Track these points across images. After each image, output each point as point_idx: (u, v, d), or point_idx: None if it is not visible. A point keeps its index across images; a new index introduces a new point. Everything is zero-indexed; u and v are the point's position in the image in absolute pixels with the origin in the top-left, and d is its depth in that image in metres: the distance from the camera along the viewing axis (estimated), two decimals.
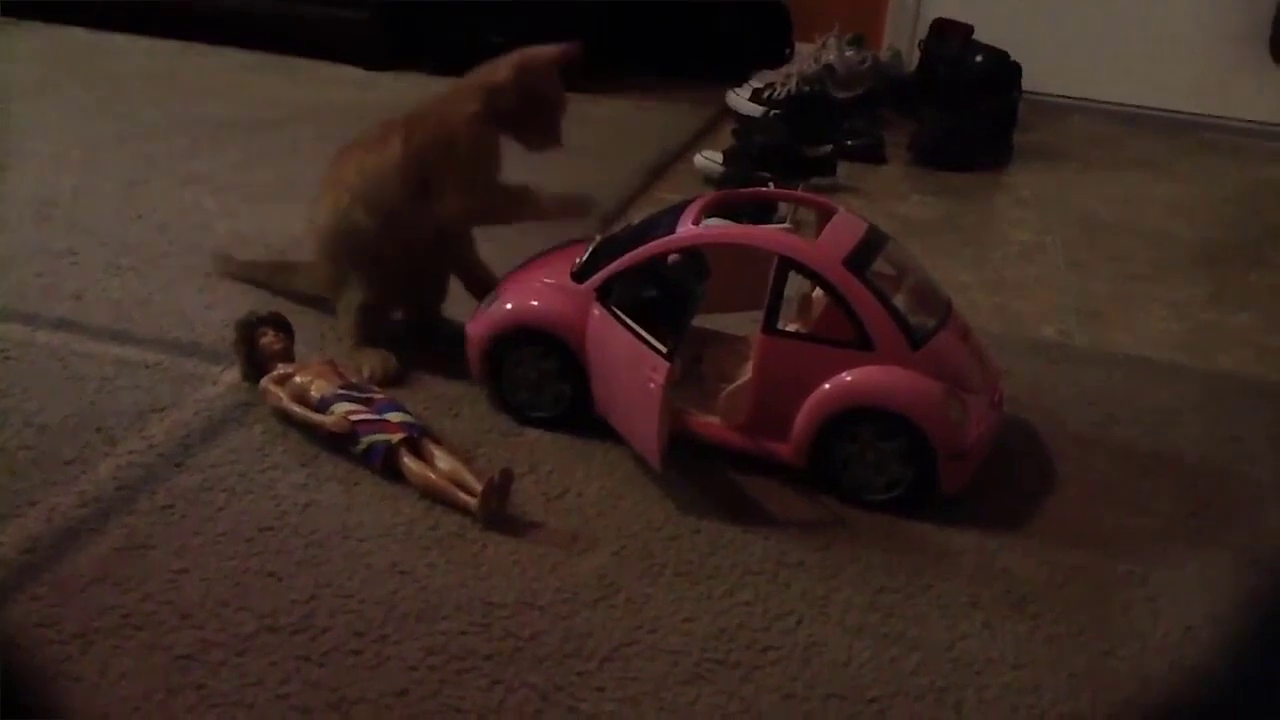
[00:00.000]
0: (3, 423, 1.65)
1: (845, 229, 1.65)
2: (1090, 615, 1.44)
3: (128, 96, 3.07)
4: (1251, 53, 3.39)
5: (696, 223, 1.65)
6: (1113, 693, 1.33)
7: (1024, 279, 2.43)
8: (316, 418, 1.66)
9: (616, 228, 1.91)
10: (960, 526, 1.58)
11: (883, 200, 2.81)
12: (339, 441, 1.64)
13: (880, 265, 1.64)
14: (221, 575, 1.42)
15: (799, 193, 1.80)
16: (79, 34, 3.47)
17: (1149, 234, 2.70)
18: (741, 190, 1.85)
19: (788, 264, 1.58)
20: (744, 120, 3.23)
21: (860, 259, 1.59)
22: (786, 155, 2.84)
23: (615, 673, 1.32)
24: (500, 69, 1.82)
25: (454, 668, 1.31)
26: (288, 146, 2.78)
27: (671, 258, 1.66)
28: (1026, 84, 3.21)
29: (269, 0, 3.43)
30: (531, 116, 1.82)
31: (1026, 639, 1.40)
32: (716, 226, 1.65)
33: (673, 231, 1.64)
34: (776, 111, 3.24)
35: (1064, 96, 3.58)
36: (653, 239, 1.64)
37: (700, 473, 1.65)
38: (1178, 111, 3.49)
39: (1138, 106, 3.53)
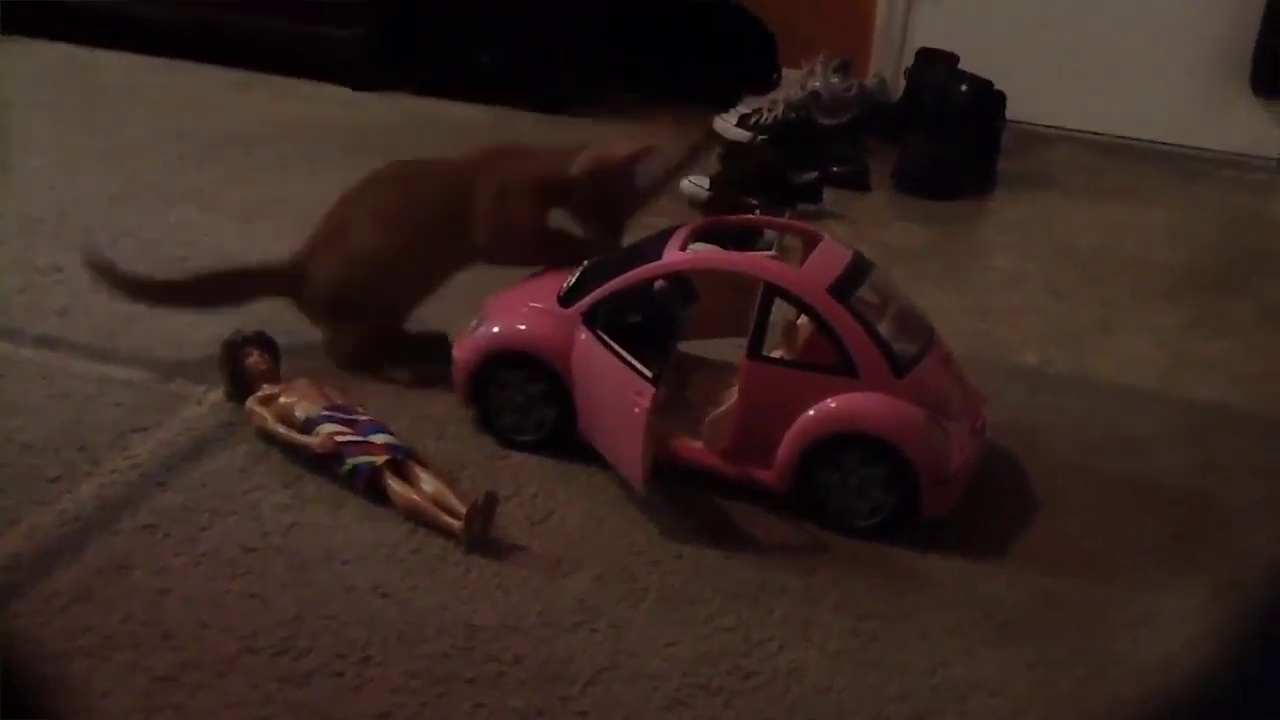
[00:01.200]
0: None
1: (830, 256, 1.66)
2: (1070, 641, 1.45)
3: (115, 113, 3.07)
4: (1233, 84, 3.43)
5: (683, 249, 1.66)
6: (1091, 716, 1.34)
7: (1006, 306, 2.45)
8: (301, 438, 1.66)
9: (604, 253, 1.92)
10: (942, 553, 1.59)
11: (867, 227, 2.83)
12: (324, 462, 1.64)
13: (865, 293, 1.65)
14: (203, 596, 1.42)
15: (785, 220, 1.82)
16: (67, 50, 3.46)
17: (1129, 262, 2.72)
18: (728, 217, 1.86)
19: (773, 291, 1.59)
20: (731, 146, 3.25)
21: (845, 286, 1.61)
22: (773, 181, 2.86)
23: (597, 697, 1.33)
24: (577, 163, 1.81)
25: (436, 690, 1.31)
26: (274, 164, 2.79)
27: (658, 283, 1.67)
28: (1011, 113, 3.24)
29: (256, 18, 3.43)
30: (599, 213, 1.83)
31: (1007, 665, 1.41)
32: (702, 253, 1.66)
33: (659, 257, 1.65)
34: (763, 137, 3.26)
35: (1048, 126, 3.61)
36: (639, 264, 1.66)
37: (684, 497, 1.65)
38: (1159, 142, 3.52)
39: (1120, 136, 3.56)
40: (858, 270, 1.65)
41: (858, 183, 3.13)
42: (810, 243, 1.72)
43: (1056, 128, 3.63)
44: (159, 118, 3.05)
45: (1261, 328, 2.41)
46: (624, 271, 1.65)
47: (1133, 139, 3.56)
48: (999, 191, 3.18)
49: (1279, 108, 3.42)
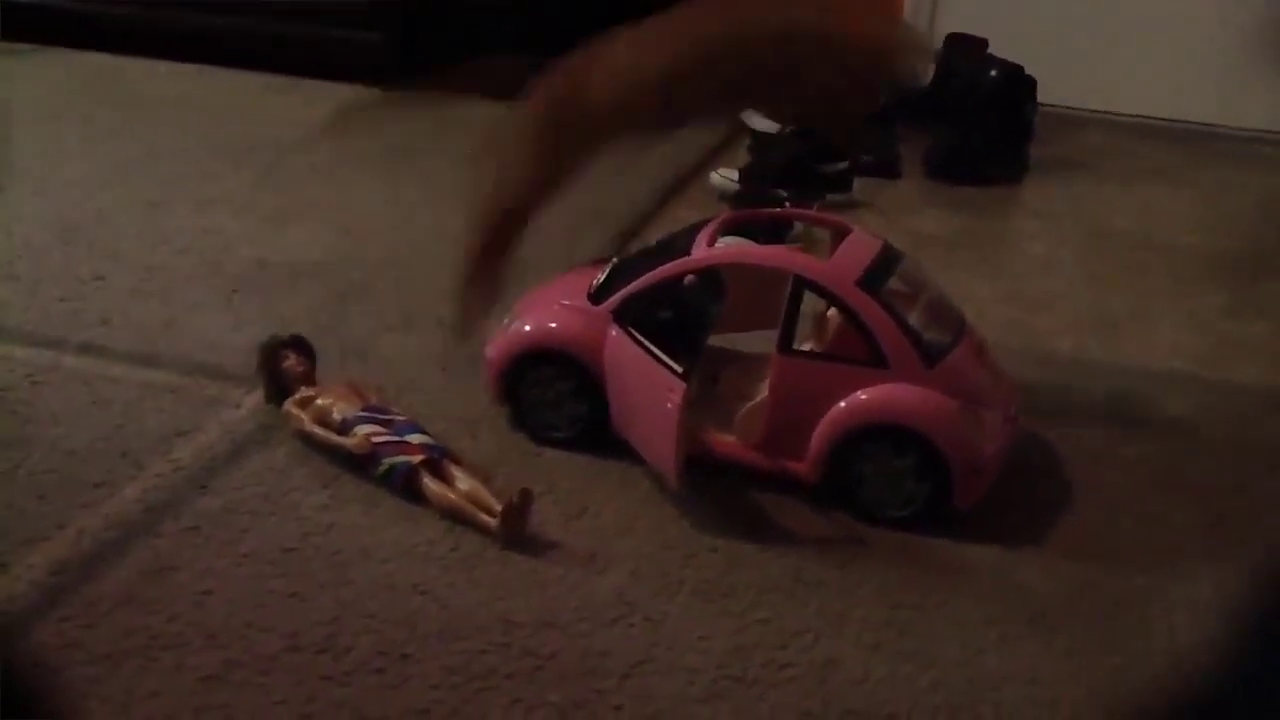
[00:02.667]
0: (31, 447, 1.69)
1: (859, 248, 1.66)
2: (1106, 629, 1.45)
3: (148, 120, 3.11)
4: (1265, 61, 3.39)
5: (711, 244, 1.66)
6: (1127, 705, 1.34)
7: (1040, 293, 2.43)
8: (338, 440, 1.69)
9: (634, 248, 1.93)
10: (976, 542, 1.59)
11: (898, 215, 2.81)
12: (361, 463, 1.66)
13: (894, 283, 1.65)
14: (246, 596, 1.45)
15: (813, 212, 1.82)
16: (99, 59, 3.51)
17: (1165, 245, 2.69)
18: (757, 210, 1.87)
19: (802, 284, 1.59)
20: (760, 137, 3.24)
21: (874, 278, 1.61)
22: (802, 172, 2.85)
23: (633, 691, 1.34)
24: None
25: (475, 686, 1.33)
26: (306, 168, 2.82)
27: (688, 279, 1.68)
28: (1042, 97, 3.21)
29: (284, 23, 3.47)
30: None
31: (1043, 654, 1.41)
32: (731, 247, 1.67)
33: (688, 253, 1.66)
34: (792, 128, 3.25)
35: (1080, 109, 3.58)
36: (668, 260, 1.66)
37: (718, 491, 1.66)
38: (1193, 122, 3.48)
39: (1153, 117, 3.52)
40: (887, 261, 1.65)
41: (888, 170, 3.12)
42: (839, 235, 1.72)
43: (1089, 110, 3.60)
44: (191, 124, 3.08)
45: None
46: (653, 268, 1.66)
47: (1166, 119, 3.52)
48: (1031, 177, 3.15)
49: None
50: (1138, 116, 3.57)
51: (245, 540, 1.54)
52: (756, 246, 1.67)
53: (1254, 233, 2.79)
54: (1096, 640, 1.43)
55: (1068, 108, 3.57)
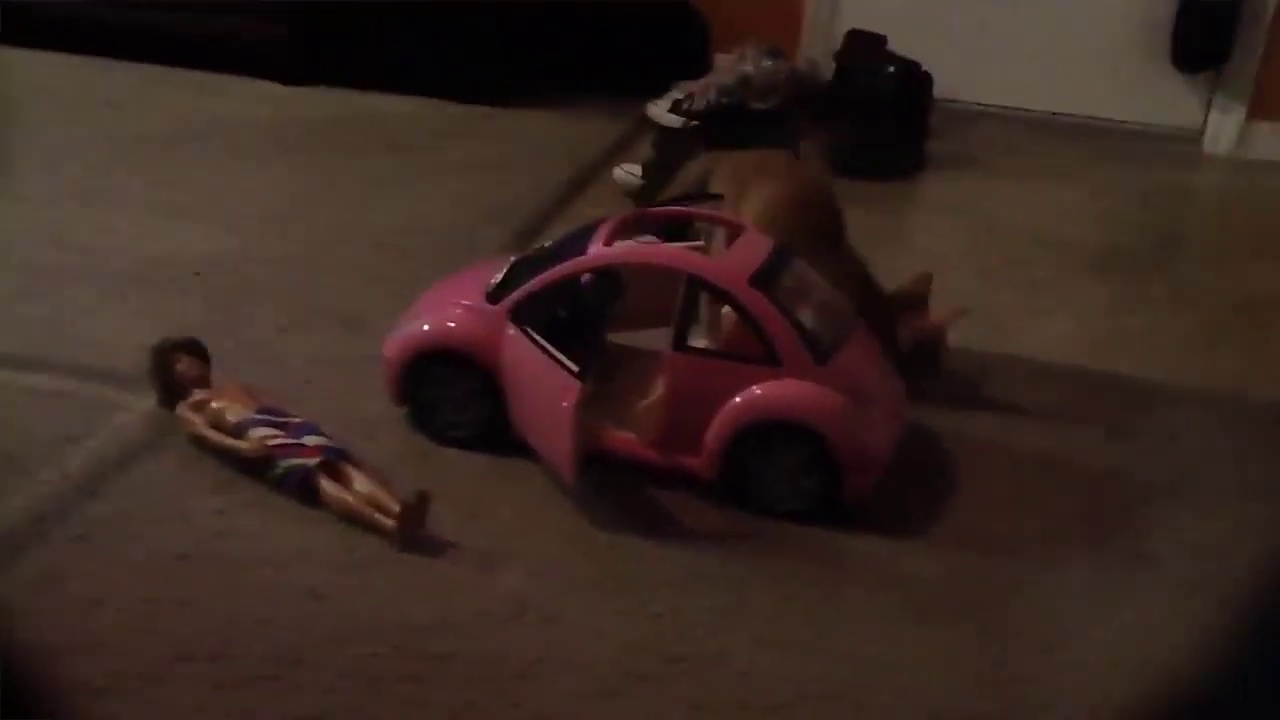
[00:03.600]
0: None
1: (752, 247, 1.69)
2: (985, 617, 1.51)
3: (34, 114, 3.02)
4: (1155, 59, 3.51)
5: (608, 243, 1.68)
6: (1006, 690, 1.40)
7: (933, 288, 2.49)
8: (233, 443, 1.67)
9: (534, 245, 1.94)
10: (865, 534, 1.63)
11: None
12: (256, 466, 1.65)
13: (787, 281, 1.69)
14: (136, 605, 1.43)
15: (708, 211, 1.85)
16: None
17: (1053, 241, 2.78)
18: (654, 209, 1.89)
19: (696, 282, 1.62)
20: (663, 131, 3.27)
21: (767, 276, 1.64)
22: None
23: (530, 689, 1.36)
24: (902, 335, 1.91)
25: (370, 690, 1.34)
26: (203, 163, 2.77)
27: (585, 277, 1.70)
28: (939, 92, 3.29)
29: (181, 15, 3.39)
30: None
31: (924, 643, 1.46)
32: (625, 246, 1.69)
33: (584, 252, 1.67)
34: (695, 123, 3.28)
35: (976, 104, 3.67)
36: (565, 259, 1.68)
37: (616, 488, 1.68)
38: (1084, 117, 3.59)
39: (1045, 112, 3.63)
40: (779, 260, 1.69)
41: None
42: (734, 233, 1.75)
43: (985, 105, 3.69)
44: (79, 118, 3.01)
45: (1176, 302, 2.48)
46: (550, 267, 1.67)
47: (1058, 114, 3.63)
48: (928, 172, 3.22)
49: (1200, 81, 3.50)
50: (1031, 111, 3.67)
51: (136, 548, 1.52)
52: (651, 245, 1.69)
53: (1138, 227, 2.90)
54: (975, 626, 1.49)
55: (965, 103, 3.66)
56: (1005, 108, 3.68)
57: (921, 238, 2.78)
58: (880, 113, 3.20)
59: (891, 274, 2.53)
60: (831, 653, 1.43)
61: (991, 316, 2.36)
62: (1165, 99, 3.57)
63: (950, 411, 1.94)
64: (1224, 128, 3.44)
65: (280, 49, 3.36)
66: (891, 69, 3.23)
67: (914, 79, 3.23)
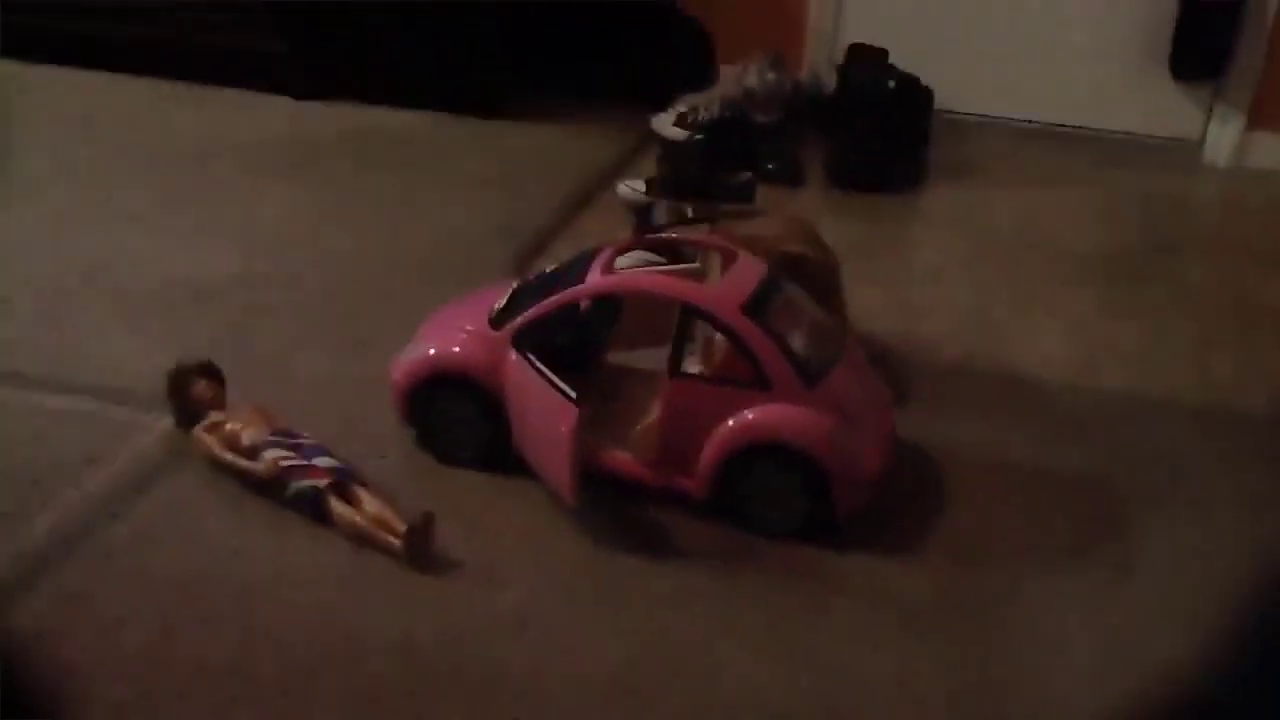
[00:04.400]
0: None
1: (744, 273, 1.75)
2: (973, 627, 1.56)
3: (51, 133, 3.10)
4: (1153, 68, 3.54)
5: (605, 270, 1.74)
6: (992, 700, 1.45)
7: (930, 301, 2.54)
8: (246, 464, 1.74)
9: (539, 266, 2.00)
10: (856, 551, 1.69)
11: None
12: (269, 488, 1.72)
13: (778, 306, 1.74)
14: (157, 623, 1.50)
15: (702, 237, 1.90)
16: (2, 68, 3.48)
17: (1051, 251, 2.82)
18: (650, 235, 1.95)
19: (689, 311, 1.68)
20: (668, 145, 3.32)
21: (758, 303, 1.70)
22: (705, 183, 2.93)
23: (530, 702, 1.42)
24: None
25: (379, 704, 1.40)
26: (213, 182, 2.84)
27: (583, 304, 1.76)
28: (940, 103, 3.33)
29: (194, 32, 3.47)
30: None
31: (912, 656, 1.52)
32: (623, 274, 1.74)
33: (583, 280, 1.73)
34: (699, 136, 3.33)
35: (977, 115, 3.72)
36: (564, 287, 1.74)
37: (615, 507, 1.74)
38: (1083, 127, 3.63)
39: (1045, 123, 3.67)
40: (771, 286, 1.74)
41: (792, 179, 3.22)
42: (727, 260, 1.80)
43: (985, 116, 3.73)
44: (97, 137, 3.08)
45: (1171, 312, 2.52)
46: (549, 294, 1.74)
47: (1057, 125, 3.67)
48: (929, 183, 3.27)
49: (1198, 91, 3.53)
50: (1030, 122, 3.72)
51: (155, 568, 1.59)
52: (647, 274, 1.75)
53: (1135, 237, 2.94)
54: (962, 638, 1.54)
55: (965, 113, 3.70)
56: (1006, 118, 3.72)
57: (920, 251, 2.83)
58: (881, 126, 3.25)
59: (891, 287, 2.59)
60: (822, 666, 1.49)
61: (986, 328, 2.42)
62: (1164, 108, 3.61)
63: (941, 425, 1.99)
64: (1223, 137, 3.48)
65: (286, 64, 3.43)
66: (892, 83, 3.28)
67: (913, 93, 3.27)
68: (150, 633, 1.48)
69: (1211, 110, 3.51)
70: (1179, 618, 1.58)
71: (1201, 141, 3.51)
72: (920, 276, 2.68)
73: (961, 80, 3.57)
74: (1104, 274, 2.72)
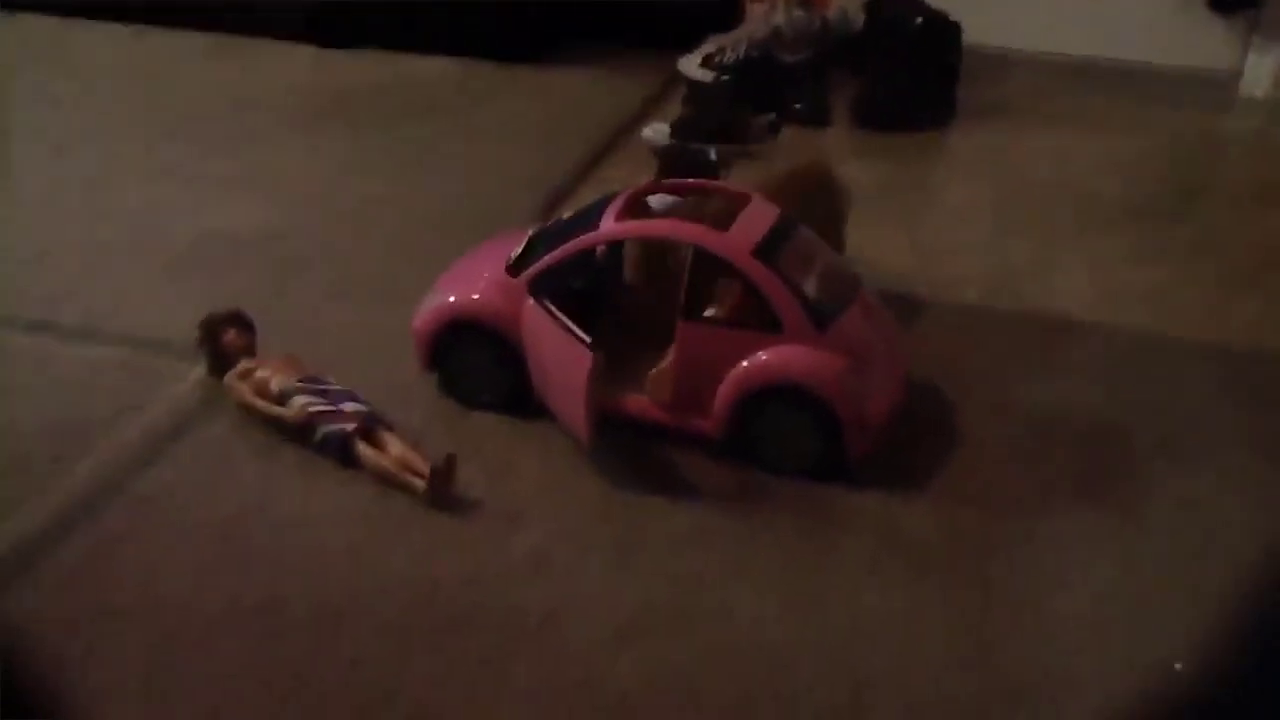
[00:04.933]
0: None
1: (756, 217, 1.77)
2: (975, 568, 1.60)
3: (92, 89, 3.15)
4: (1189, 1, 3.47)
5: (620, 216, 1.77)
6: (992, 639, 1.49)
7: (953, 243, 2.54)
8: (277, 410, 1.80)
9: (559, 214, 2.03)
10: (867, 490, 1.72)
11: None
12: (298, 432, 1.78)
13: (790, 249, 1.76)
14: (192, 564, 1.57)
15: (715, 183, 1.92)
16: (44, 22, 3.53)
17: (1077, 191, 2.80)
18: (663, 182, 1.97)
19: (701, 254, 1.70)
20: (694, 87, 3.31)
21: (770, 247, 1.72)
22: (730, 124, 2.93)
23: (547, 639, 1.48)
24: None
25: (403, 640, 1.47)
26: (246, 133, 2.88)
27: (599, 250, 1.79)
28: (972, 38, 3.28)
29: None
30: None
31: (918, 595, 1.55)
32: (635, 222, 1.77)
33: (596, 227, 1.76)
34: (726, 77, 3.31)
35: (1008, 49, 3.66)
36: (579, 234, 1.77)
37: (633, 449, 1.78)
38: (1117, 60, 3.57)
39: (1078, 56, 3.61)
40: (783, 229, 1.76)
41: (818, 119, 3.21)
42: (740, 204, 1.82)
43: (1017, 51, 3.67)
44: (134, 92, 3.13)
45: (1197, 253, 2.50)
46: (565, 241, 1.77)
47: (1090, 58, 3.60)
48: (957, 122, 3.23)
49: (1233, 22, 3.45)
50: (1063, 55, 3.65)
51: (190, 511, 1.66)
52: (660, 220, 1.77)
53: (1163, 176, 2.90)
54: (967, 580, 1.57)
55: (997, 48, 3.64)
56: (1037, 52, 3.66)
57: (946, 192, 2.81)
58: (907, 64, 3.22)
59: (915, 227, 2.59)
60: (831, 603, 1.53)
61: (1008, 270, 2.41)
62: (1201, 41, 3.53)
63: (958, 370, 2.01)
64: (1262, 70, 3.40)
65: (314, 12, 3.44)
66: (918, 20, 3.24)
67: (940, 30, 3.23)
68: (186, 573, 1.55)
69: (1250, 42, 3.43)
70: (1184, 565, 1.60)
71: (1239, 74, 3.44)
72: (945, 218, 2.67)
73: (992, 13, 3.51)
74: (1131, 215, 2.69)
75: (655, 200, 1.83)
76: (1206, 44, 3.55)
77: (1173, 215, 2.70)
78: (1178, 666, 1.43)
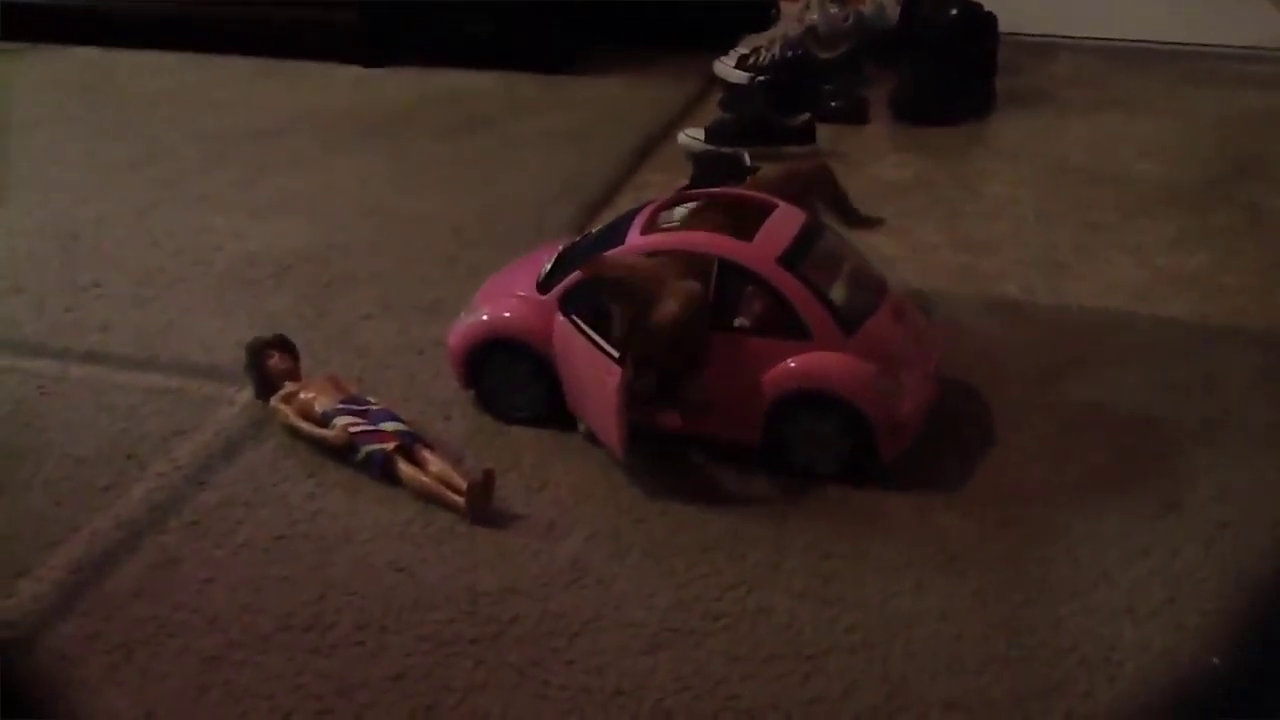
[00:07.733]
0: (44, 455, 1.86)
1: (782, 225, 1.79)
2: (1012, 567, 1.60)
3: (137, 118, 3.24)
4: None
5: (645, 230, 1.79)
6: (1028, 636, 1.49)
7: (992, 236, 2.53)
8: (320, 432, 1.85)
9: (592, 226, 2.06)
10: (901, 492, 1.73)
11: (861, 163, 2.89)
12: (341, 452, 1.83)
13: (817, 255, 1.78)
14: (242, 582, 1.63)
15: (740, 190, 1.94)
16: (87, 54, 3.65)
17: (1118, 178, 2.78)
18: (689, 191, 1.99)
19: (727, 265, 1.72)
20: (730, 89, 3.33)
21: (795, 254, 1.74)
22: (765, 128, 2.95)
23: (584, 647, 1.51)
24: None
25: (444, 652, 1.51)
26: (288, 158, 2.95)
27: None
28: (1011, 26, 3.26)
29: (264, 7, 3.59)
30: None
31: (952, 593, 1.56)
32: (658, 235, 1.79)
33: (623, 240, 1.79)
34: (761, 78, 3.33)
35: (1049, 35, 3.63)
36: (606, 248, 1.80)
37: (666, 459, 1.81)
38: (1157, 42, 3.53)
39: (1118, 40, 3.57)
40: (808, 235, 1.78)
41: (856, 116, 3.21)
42: (764, 212, 1.83)
43: (1058, 36, 3.65)
44: (178, 118, 3.22)
45: (1242, 240, 2.47)
46: (590, 257, 1.79)
47: (1130, 41, 3.57)
48: (997, 112, 3.22)
49: None
50: (1106, 39, 3.62)
51: (240, 531, 1.71)
52: (684, 233, 1.80)
53: (1206, 160, 2.86)
54: (1002, 577, 1.58)
55: (1037, 35, 3.62)
56: (1078, 38, 3.63)
57: (986, 184, 2.79)
58: (943, 57, 3.21)
59: (956, 222, 2.59)
60: (863, 606, 1.54)
61: (1050, 264, 2.40)
62: (1248, 18, 3.48)
63: (995, 365, 2.01)
64: None
65: (356, 33, 3.52)
66: (953, 11, 3.23)
67: (975, 20, 3.22)
68: (236, 591, 1.61)
69: None
70: (1224, 559, 1.58)
71: None
72: (984, 210, 2.66)
73: (1029, 1, 3.49)
74: (1174, 199, 2.66)
75: (680, 211, 1.86)
76: (1253, 22, 3.50)
77: (1218, 199, 2.67)
78: (1215, 661, 1.42)
